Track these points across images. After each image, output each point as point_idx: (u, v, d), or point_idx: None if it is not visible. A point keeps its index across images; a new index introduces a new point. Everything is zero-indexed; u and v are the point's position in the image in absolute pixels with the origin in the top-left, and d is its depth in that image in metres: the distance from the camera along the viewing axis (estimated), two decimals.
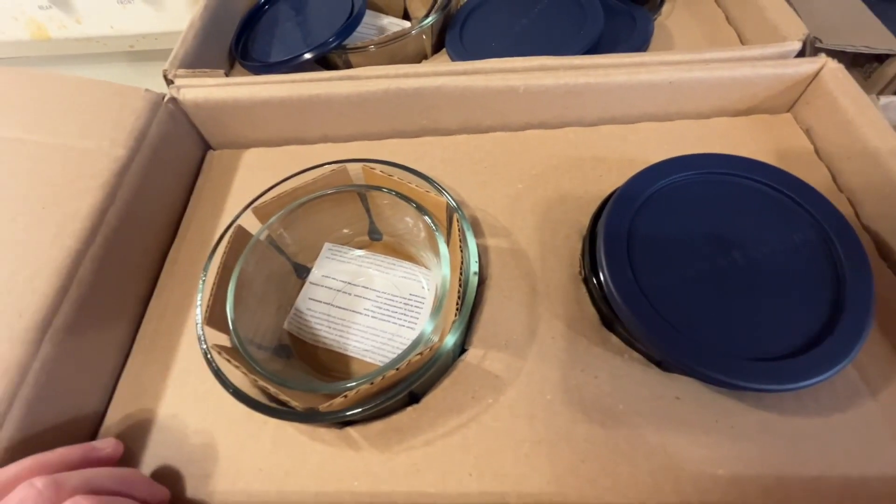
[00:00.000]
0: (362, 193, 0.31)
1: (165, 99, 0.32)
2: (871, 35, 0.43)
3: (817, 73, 0.30)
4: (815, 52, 0.34)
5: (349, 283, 0.31)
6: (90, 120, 0.28)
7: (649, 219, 0.25)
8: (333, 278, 0.32)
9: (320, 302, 0.31)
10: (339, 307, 0.31)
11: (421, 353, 0.22)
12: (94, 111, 0.28)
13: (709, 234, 0.24)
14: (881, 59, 0.44)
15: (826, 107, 0.30)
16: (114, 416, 0.25)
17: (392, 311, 0.30)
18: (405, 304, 0.30)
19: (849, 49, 0.42)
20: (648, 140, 0.32)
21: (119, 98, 0.30)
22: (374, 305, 0.30)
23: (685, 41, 0.38)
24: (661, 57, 0.31)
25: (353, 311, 0.30)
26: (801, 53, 0.33)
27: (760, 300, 0.22)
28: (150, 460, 0.23)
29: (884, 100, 0.36)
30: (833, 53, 0.42)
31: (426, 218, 0.26)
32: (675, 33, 0.39)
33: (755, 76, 0.30)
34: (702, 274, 0.23)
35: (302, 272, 0.32)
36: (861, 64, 0.46)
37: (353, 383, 0.22)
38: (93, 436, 0.24)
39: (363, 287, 0.31)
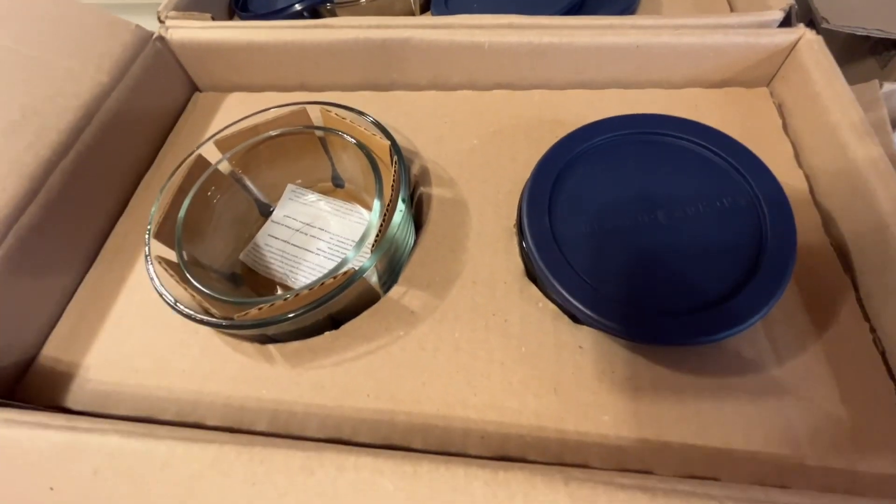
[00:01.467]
0: (323, 140, 0.32)
1: (154, 37, 0.34)
2: (889, 18, 0.40)
3: (794, 45, 0.29)
4: (813, 26, 0.33)
5: (307, 225, 0.33)
6: (78, 42, 0.30)
7: (578, 174, 0.25)
8: (293, 218, 0.33)
9: (278, 239, 0.33)
10: (295, 245, 0.32)
11: (335, 278, 0.23)
12: (84, 35, 0.31)
13: (636, 192, 0.24)
14: None
15: (799, 80, 0.29)
16: (70, 315, 0.27)
17: (341, 253, 0.31)
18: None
19: (859, 32, 0.39)
20: (613, 106, 0.32)
21: (110, 27, 0.32)
22: (327, 246, 0.32)
23: (674, 11, 0.37)
24: (631, 20, 0.31)
25: (307, 250, 0.32)
26: (786, 25, 0.31)
27: (676, 259, 0.22)
28: (95, 353, 0.26)
29: (888, 87, 0.34)
30: (846, 38, 0.40)
31: (365, 155, 0.27)
32: (665, 2, 0.38)
33: (727, 45, 0.29)
34: (621, 230, 0.23)
35: (266, 211, 0.34)
36: (879, 52, 0.43)
37: (270, 298, 0.23)
38: (50, 328, 0.27)
39: (319, 229, 0.33)
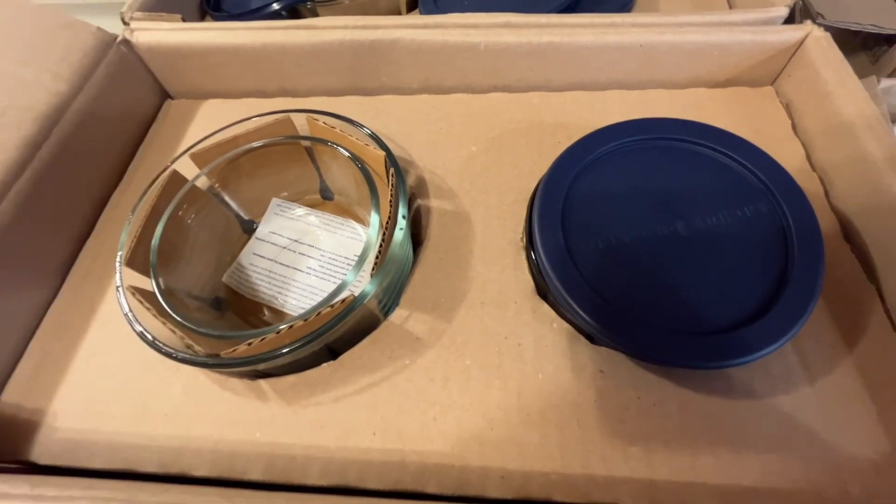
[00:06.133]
0: (310, 149, 0.30)
1: (118, 40, 0.31)
2: (882, 14, 0.40)
3: (801, 43, 0.28)
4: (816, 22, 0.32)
5: (296, 241, 0.31)
6: (33, 49, 0.27)
7: (591, 184, 0.23)
8: (280, 235, 0.31)
9: (264, 258, 0.30)
10: (283, 264, 0.30)
11: (332, 306, 0.21)
12: (39, 40, 0.28)
13: (653, 202, 0.23)
14: (891, 41, 0.41)
15: (807, 79, 0.28)
16: (32, 353, 0.25)
17: (334, 271, 0.29)
18: (348, 264, 0.29)
19: (854, 27, 0.39)
20: (615, 107, 0.31)
21: (67, 31, 0.29)
22: (318, 264, 0.30)
23: (673, 6, 0.36)
24: (633, 18, 0.29)
25: (296, 269, 0.29)
26: (790, 22, 0.30)
27: (698, 273, 0.21)
28: (62, 397, 0.23)
29: (885, 83, 0.33)
30: (836, 32, 0.40)
31: (360, 169, 0.25)
32: None
33: (732, 43, 0.28)
34: (639, 243, 0.22)
35: (249, 227, 0.32)
36: (871, 47, 0.43)
37: (260, 332, 0.21)
38: (10, 370, 0.24)
39: (308, 245, 0.30)
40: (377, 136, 0.26)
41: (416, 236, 0.27)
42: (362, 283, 0.22)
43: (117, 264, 0.23)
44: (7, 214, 0.24)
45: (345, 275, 0.29)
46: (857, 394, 0.20)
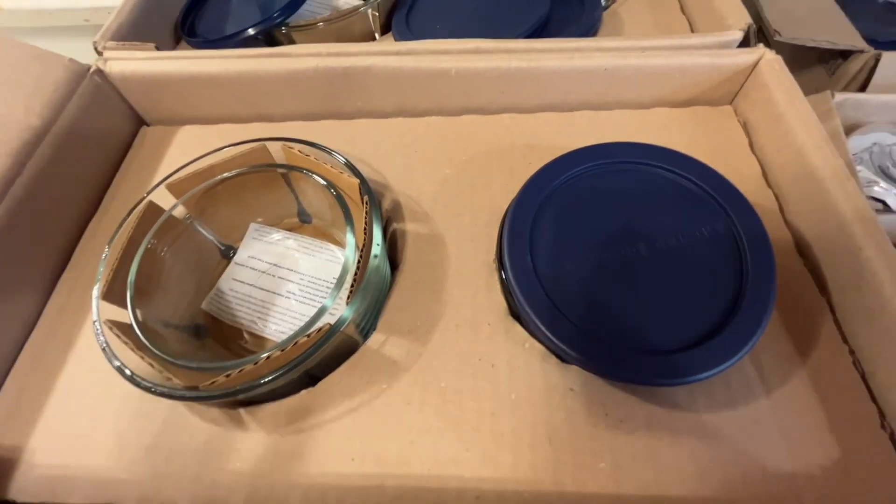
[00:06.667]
0: (286, 174, 0.30)
1: (91, 70, 0.31)
2: (836, 30, 0.42)
3: (755, 64, 0.30)
4: (773, 45, 0.33)
5: (275, 265, 0.31)
6: (3, 83, 0.27)
7: (558, 208, 0.24)
8: (259, 259, 0.31)
9: (243, 283, 0.30)
10: (262, 289, 0.30)
11: (308, 336, 0.22)
12: (10, 74, 0.28)
13: (616, 224, 0.24)
14: (846, 55, 0.43)
15: (761, 99, 0.29)
16: (9, 390, 0.25)
17: (314, 295, 0.30)
18: (328, 287, 0.30)
19: (809, 43, 0.40)
20: (584, 128, 0.32)
21: (39, 64, 0.29)
22: (298, 288, 0.30)
23: (636, 29, 0.37)
24: (597, 43, 0.30)
25: (276, 294, 0.30)
26: (745, 44, 0.32)
27: (660, 293, 0.22)
28: (41, 433, 0.23)
29: (839, 96, 0.35)
30: (795, 48, 0.41)
31: (335, 197, 0.26)
32: (626, 21, 0.38)
33: (692, 65, 0.30)
34: (604, 265, 0.23)
35: (227, 253, 0.32)
36: (827, 60, 0.45)
37: (238, 362, 0.21)
38: None
39: (288, 269, 0.31)
40: (351, 164, 0.26)
41: (393, 260, 0.28)
42: (340, 310, 0.23)
43: (94, 298, 0.24)
44: None
45: (324, 298, 0.29)
46: (811, 403, 0.21)
